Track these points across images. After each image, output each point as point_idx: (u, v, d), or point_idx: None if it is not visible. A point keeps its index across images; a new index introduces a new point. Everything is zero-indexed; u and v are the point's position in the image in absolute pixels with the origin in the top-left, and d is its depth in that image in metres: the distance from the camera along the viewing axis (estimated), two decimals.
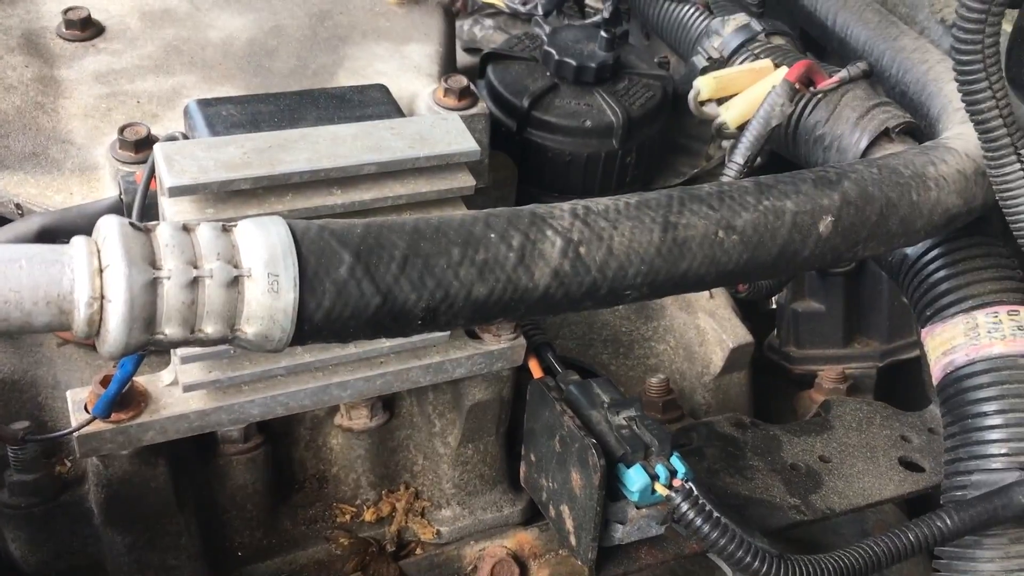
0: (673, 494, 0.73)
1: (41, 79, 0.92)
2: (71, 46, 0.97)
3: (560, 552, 0.89)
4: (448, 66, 1.05)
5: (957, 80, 0.73)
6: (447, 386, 0.89)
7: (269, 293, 0.53)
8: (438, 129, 0.79)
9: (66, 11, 0.98)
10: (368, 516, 0.93)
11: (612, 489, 0.75)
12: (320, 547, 0.91)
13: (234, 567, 0.88)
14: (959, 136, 0.84)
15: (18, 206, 0.85)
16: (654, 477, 0.74)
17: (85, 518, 0.83)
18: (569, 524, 0.78)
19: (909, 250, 0.87)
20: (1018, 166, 0.74)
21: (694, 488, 0.74)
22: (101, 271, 0.50)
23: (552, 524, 0.81)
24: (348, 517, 0.92)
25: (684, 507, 0.73)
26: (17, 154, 0.86)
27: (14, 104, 0.89)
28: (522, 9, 1.33)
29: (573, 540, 0.78)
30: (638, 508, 0.76)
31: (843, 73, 0.99)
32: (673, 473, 0.75)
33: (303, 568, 0.90)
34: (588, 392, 0.80)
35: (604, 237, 0.61)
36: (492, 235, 0.59)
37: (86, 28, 0.98)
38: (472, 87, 0.94)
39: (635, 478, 0.74)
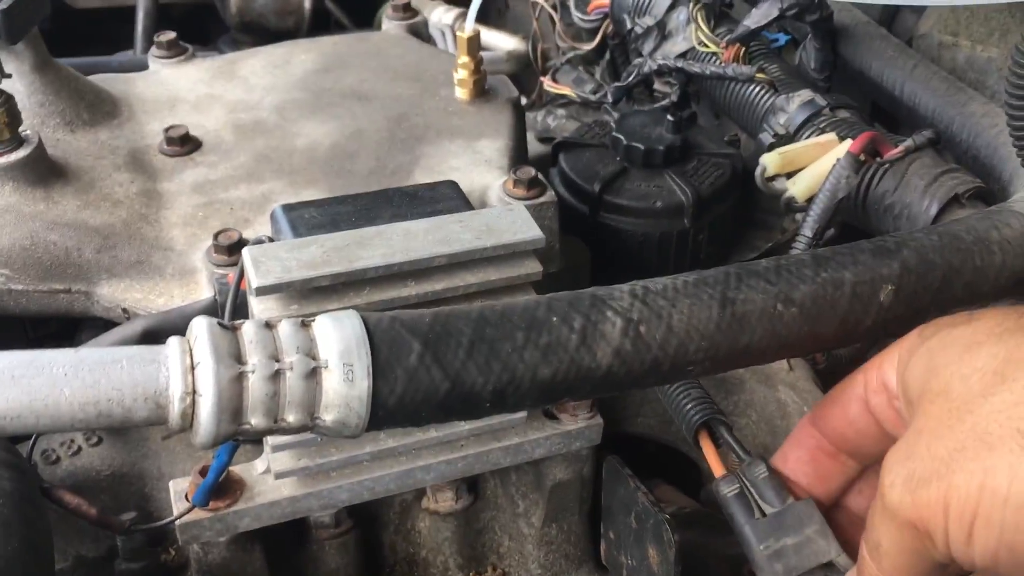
0: None
1: (145, 192, 1.00)
2: (171, 161, 1.05)
3: None
4: (518, 158, 1.09)
5: (1012, 136, 0.73)
6: (528, 467, 0.90)
7: (345, 382, 0.56)
8: (504, 220, 0.83)
9: (167, 129, 1.07)
10: None
11: None
12: None
13: None
14: None
15: (125, 311, 0.92)
16: None
17: None
18: None
19: None
20: None
21: None
22: (193, 368, 0.55)
23: None
24: None
25: None
26: (124, 263, 0.94)
27: (121, 217, 0.97)
28: (592, 97, 1.37)
29: None
30: None
31: (909, 142, 1.00)
32: None
33: None
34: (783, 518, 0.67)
35: (663, 315, 0.63)
36: (554, 318, 0.62)
37: (185, 144, 1.07)
38: (540, 177, 0.98)
39: None
